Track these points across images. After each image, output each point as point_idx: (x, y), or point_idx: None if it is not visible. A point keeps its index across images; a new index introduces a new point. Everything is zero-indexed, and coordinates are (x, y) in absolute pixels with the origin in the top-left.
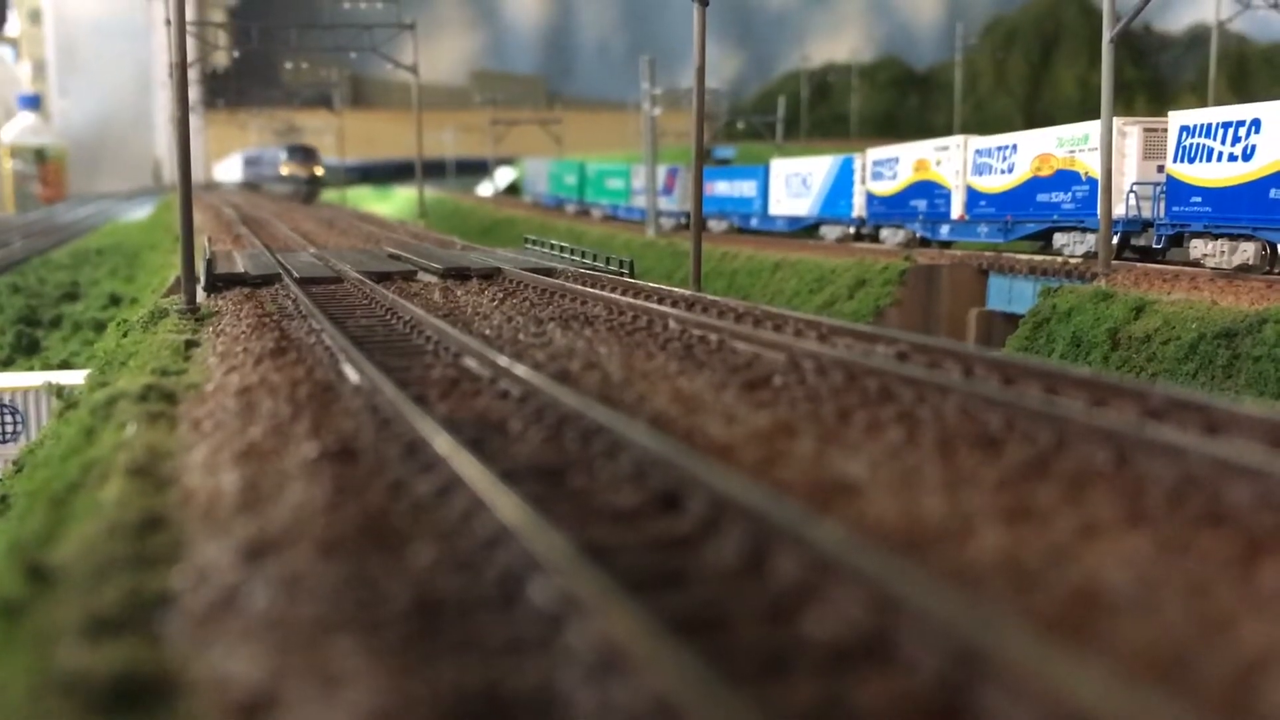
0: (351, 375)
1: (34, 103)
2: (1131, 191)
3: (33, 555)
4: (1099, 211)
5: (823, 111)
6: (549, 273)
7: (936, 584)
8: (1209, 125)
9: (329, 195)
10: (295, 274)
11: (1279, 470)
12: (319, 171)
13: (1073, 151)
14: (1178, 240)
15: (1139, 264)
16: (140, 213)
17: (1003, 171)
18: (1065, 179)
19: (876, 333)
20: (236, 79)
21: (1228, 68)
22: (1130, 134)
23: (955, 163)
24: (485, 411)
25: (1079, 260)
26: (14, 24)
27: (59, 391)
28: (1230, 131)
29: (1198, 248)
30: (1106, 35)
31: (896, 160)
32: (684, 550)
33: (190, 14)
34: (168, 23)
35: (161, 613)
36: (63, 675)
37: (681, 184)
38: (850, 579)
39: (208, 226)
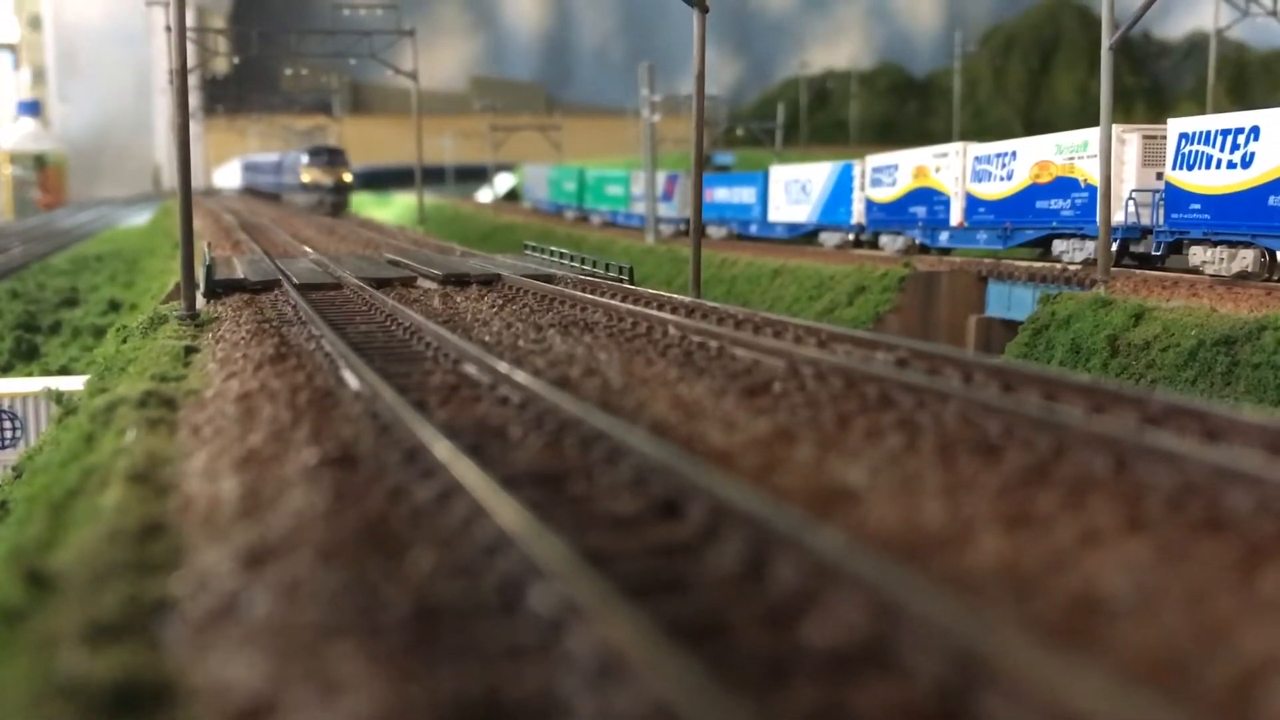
0: (351, 381)
1: (34, 108)
2: (1130, 198)
3: (32, 561)
4: (1098, 218)
5: (822, 118)
6: (548, 279)
7: (936, 590)
8: (1208, 132)
9: None
10: (295, 280)
11: (1278, 477)
12: (347, 177)
13: (1072, 158)
14: (1177, 247)
15: (1138, 271)
16: (140, 218)
17: (1002, 178)
18: (1064, 186)
19: (876, 339)
20: (236, 85)
21: (1226, 75)
22: (1129, 141)
23: (954, 169)
24: (485, 418)
25: (1078, 267)
26: (14, 30)
27: (58, 397)
28: (1229, 139)
29: (1197, 255)
30: (1105, 42)
31: (896, 167)
32: (684, 557)
33: (190, 20)
34: (168, 29)
35: (161, 619)
36: (63, 681)
37: (681, 190)
38: (850, 585)
39: (207, 232)
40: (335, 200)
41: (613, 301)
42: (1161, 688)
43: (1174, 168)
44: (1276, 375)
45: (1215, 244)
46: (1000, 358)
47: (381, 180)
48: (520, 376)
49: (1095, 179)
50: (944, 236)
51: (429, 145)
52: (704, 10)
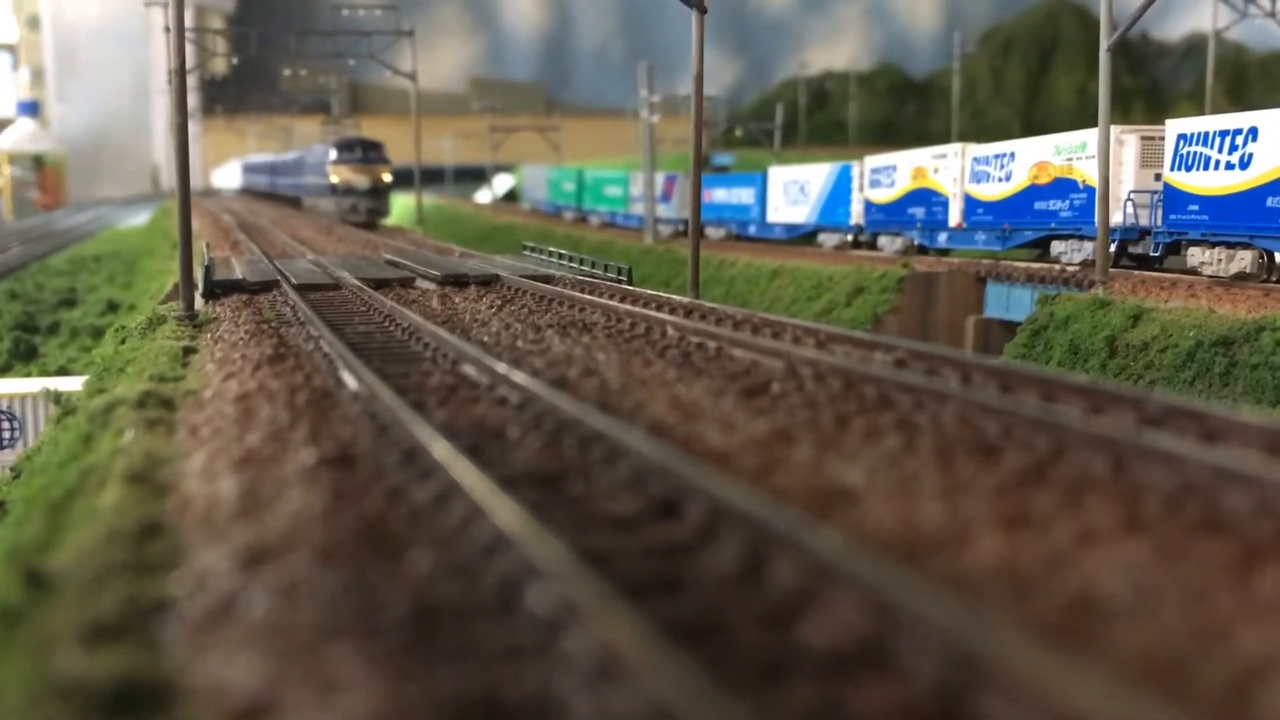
0: (350, 382)
1: (32, 109)
2: (1129, 199)
3: (31, 561)
4: (1096, 219)
5: (821, 119)
6: (547, 280)
7: (934, 591)
8: (1206, 133)
9: None
10: (293, 280)
11: (1276, 477)
12: (387, 177)
13: (1070, 159)
14: (1175, 248)
15: (1136, 272)
16: (138, 219)
17: (1000, 179)
18: (1063, 187)
19: (874, 340)
20: (235, 85)
21: (1225, 76)
22: (1128, 142)
23: (953, 170)
24: (483, 418)
25: (1076, 268)
26: (12, 30)
27: (57, 398)
28: (1227, 140)
29: (1195, 255)
30: (1104, 43)
31: (894, 168)
32: (682, 557)
33: (189, 21)
34: (166, 29)
35: (159, 619)
36: (61, 681)
37: (680, 191)
38: (848, 586)
39: (206, 233)
40: (372, 206)
41: (611, 302)
42: (1160, 688)
43: (1172, 169)
44: (1274, 376)
45: (1213, 245)
46: (998, 358)
47: None
48: (519, 377)
49: (1094, 180)
50: (942, 237)
51: (428, 146)
52: (702, 11)
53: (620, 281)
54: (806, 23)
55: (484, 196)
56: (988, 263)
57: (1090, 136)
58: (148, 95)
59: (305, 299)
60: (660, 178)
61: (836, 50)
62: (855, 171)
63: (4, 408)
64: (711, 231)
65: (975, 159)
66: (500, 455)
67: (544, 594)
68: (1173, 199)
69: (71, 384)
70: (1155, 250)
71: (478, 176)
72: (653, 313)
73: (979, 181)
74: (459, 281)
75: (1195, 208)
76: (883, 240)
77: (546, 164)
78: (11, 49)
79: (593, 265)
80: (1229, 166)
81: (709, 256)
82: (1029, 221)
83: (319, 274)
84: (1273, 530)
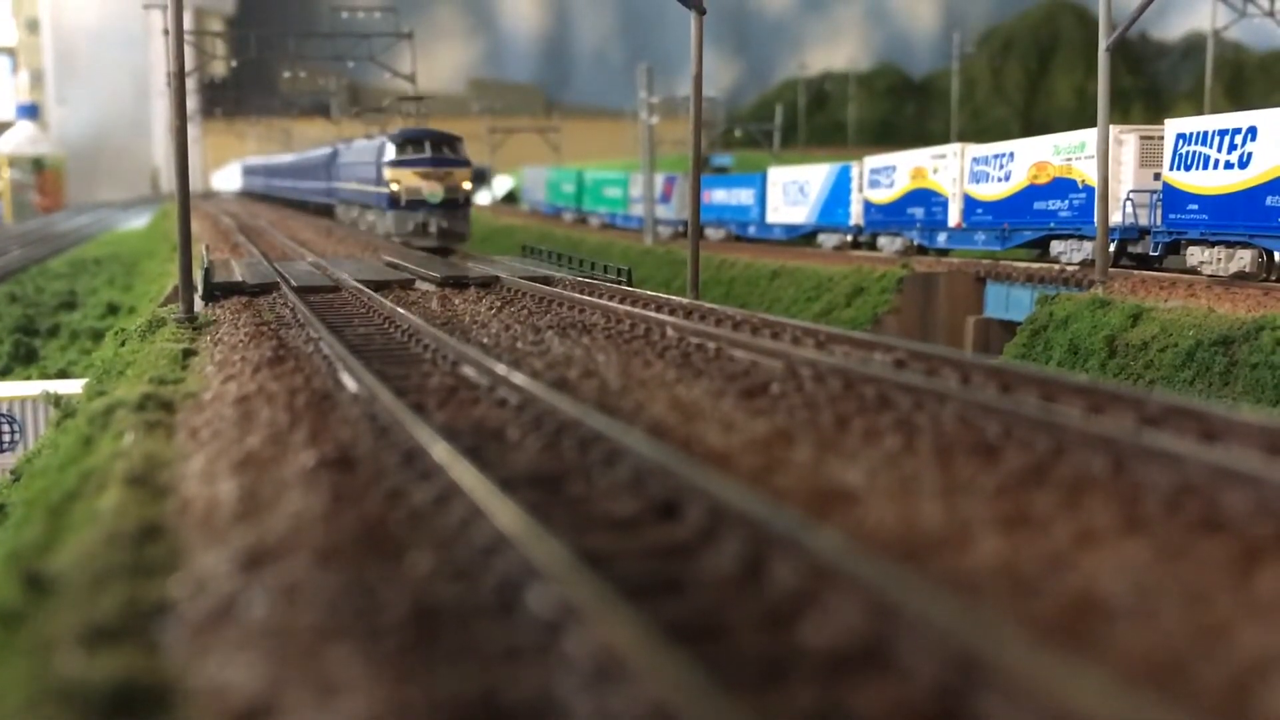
0: (349, 384)
1: (32, 112)
2: (1128, 199)
3: (31, 564)
4: (1096, 219)
5: (820, 119)
6: (547, 281)
7: (934, 591)
8: (1205, 133)
9: None
10: (293, 282)
11: (1275, 477)
12: (468, 185)
13: (1069, 159)
14: (1174, 248)
15: (1136, 271)
16: (138, 222)
17: (1000, 179)
18: (1062, 187)
19: (874, 340)
20: (234, 88)
21: (1224, 76)
22: (1127, 142)
23: (952, 170)
24: (483, 419)
25: (1076, 268)
26: (11, 33)
27: (57, 400)
28: (1226, 139)
29: (1194, 255)
30: (1102, 43)
31: (894, 168)
32: (682, 558)
33: (188, 23)
34: (165, 32)
35: (159, 621)
36: (61, 684)
37: (679, 192)
38: (848, 586)
39: (206, 235)
40: (448, 225)
41: (611, 303)
42: (1159, 687)
43: (1171, 168)
44: (1274, 375)
45: (1213, 244)
46: (998, 359)
47: None
48: (518, 378)
49: (1093, 180)
50: (942, 237)
51: None
52: (701, 12)
53: (620, 283)
54: (806, 24)
55: (483, 198)
56: (987, 263)
57: (1089, 136)
58: (147, 98)
59: (305, 301)
60: (660, 179)
61: (836, 51)
62: (854, 172)
63: (4, 410)
64: (711, 232)
65: (974, 159)
66: (500, 457)
67: (544, 595)
68: (1172, 198)
69: (71, 387)
70: (1155, 250)
71: (477, 178)
72: (652, 314)
73: (978, 182)
74: (459, 283)
75: (1194, 207)
76: (882, 241)
77: (546, 165)
78: (11, 52)
79: (592, 267)
80: (1228, 166)
81: (709, 257)
82: (1028, 221)
83: (318, 276)
84: (1272, 530)
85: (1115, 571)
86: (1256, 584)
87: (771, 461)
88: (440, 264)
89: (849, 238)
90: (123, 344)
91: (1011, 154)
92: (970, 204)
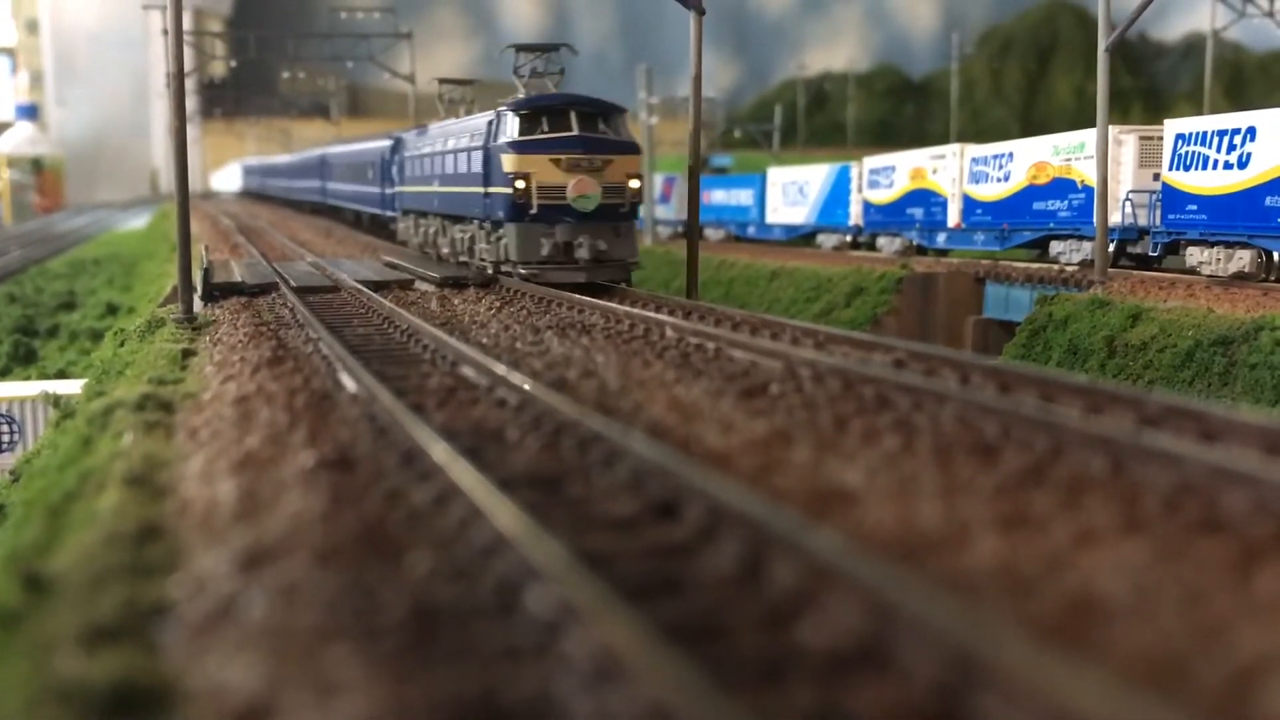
0: (349, 384)
1: (31, 112)
2: (1127, 199)
3: (30, 564)
4: (1095, 219)
5: (820, 120)
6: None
7: (933, 591)
8: (1204, 133)
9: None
10: (292, 283)
11: (1274, 477)
12: (636, 183)
13: (1069, 160)
14: (1174, 248)
15: (1135, 272)
16: (137, 222)
17: (999, 180)
18: (1061, 187)
19: (873, 340)
20: (234, 88)
21: (1223, 76)
22: (1126, 142)
23: (952, 171)
24: (482, 420)
25: (1075, 268)
26: (11, 33)
27: (56, 401)
28: (1225, 139)
29: (1194, 255)
30: (1102, 44)
31: (893, 169)
32: (681, 558)
33: (187, 24)
34: (165, 33)
35: (158, 622)
36: (60, 684)
37: (678, 192)
38: (847, 586)
39: (205, 235)
40: (606, 250)
41: (610, 304)
42: (1158, 687)
43: (1171, 168)
44: (1273, 375)
45: (1212, 244)
46: (997, 359)
47: None
48: (518, 379)
49: (1092, 180)
50: (941, 238)
51: None
52: (700, 13)
53: (619, 283)
54: (805, 24)
55: None
56: (986, 263)
57: (1089, 137)
58: (146, 99)
59: (304, 301)
60: (659, 179)
61: (835, 52)
62: (854, 172)
63: (3, 411)
64: (710, 233)
65: (973, 159)
66: (499, 457)
67: (543, 595)
68: (1171, 199)
69: (70, 387)
70: (1154, 250)
71: None
72: (651, 314)
73: (977, 182)
74: (458, 284)
75: (1193, 207)
76: (881, 241)
77: None
78: (10, 52)
79: None
80: (1228, 166)
81: (708, 258)
82: (1028, 222)
83: (318, 276)
84: (1271, 530)
85: (1114, 571)
86: (1255, 584)
87: (770, 462)
88: (439, 264)
89: (849, 238)
90: (122, 344)
91: (1011, 154)
92: (970, 204)
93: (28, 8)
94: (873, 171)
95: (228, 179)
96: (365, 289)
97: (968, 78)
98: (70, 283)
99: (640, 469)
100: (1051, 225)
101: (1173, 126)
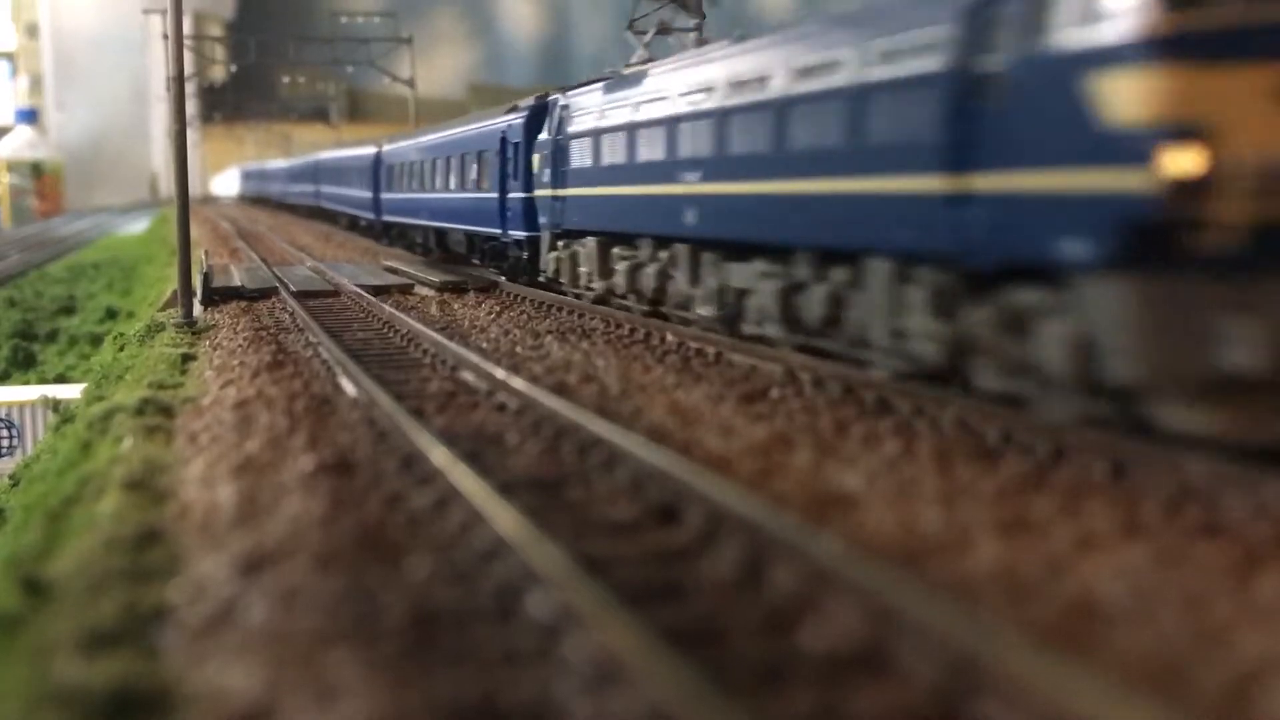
0: (348, 388)
1: (30, 116)
2: None
3: (29, 569)
4: None
5: None
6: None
7: (933, 596)
8: None
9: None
10: (292, 287)
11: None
12: None
13: None
14: None
15: None
16: (137, 226)
17: None
18: None
19: None
20: (234, 93)
21: None
22: None
23: None
24: (482, 424)
25: None
26: (11, 38)
27: (55, 405)
28: None
29: None
30: None
31: None
32: (681, 562)
33: (187, 28)
34: (165, 37)
35: (158, 626)
36: (60, 688)
37: None
38: (847, 591)
39: (205, 239)
40: None
41: (610, 307)
42: (1158, 691)
43: None
44: None
45: None
46: None
47: None
48: (518, 383)
49: None
50: None
51: None
52: (700, 17)
53: None
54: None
55: None
56: None
57: None
58: (146, 103)
59: (304, 305)
60: None
61: None
62: None
63: (2, 415)
64: None
65: None
66: (499, 461)
67: (543, 599)
68: None
69: (70, 391)
70: None
71: None
72: (651, 318)
73: None
74: (458, 288)
75: None
76: None
77: None
78: (10, 57)
79: None
80: None
81: None
82: None
83: (318, 280)
84: (1271, 534)
85: (1114, 576)
86: (1255, 588)
87: (771, 466)
88: (439, 268)
89: None
90: (121, 349)
91: None
92: None
93: (27, 12)
94: None
95: (226, 183)
96: (365, 293)
97: None
98: (70, 287)
99: (640, 473)
100: None
101: None
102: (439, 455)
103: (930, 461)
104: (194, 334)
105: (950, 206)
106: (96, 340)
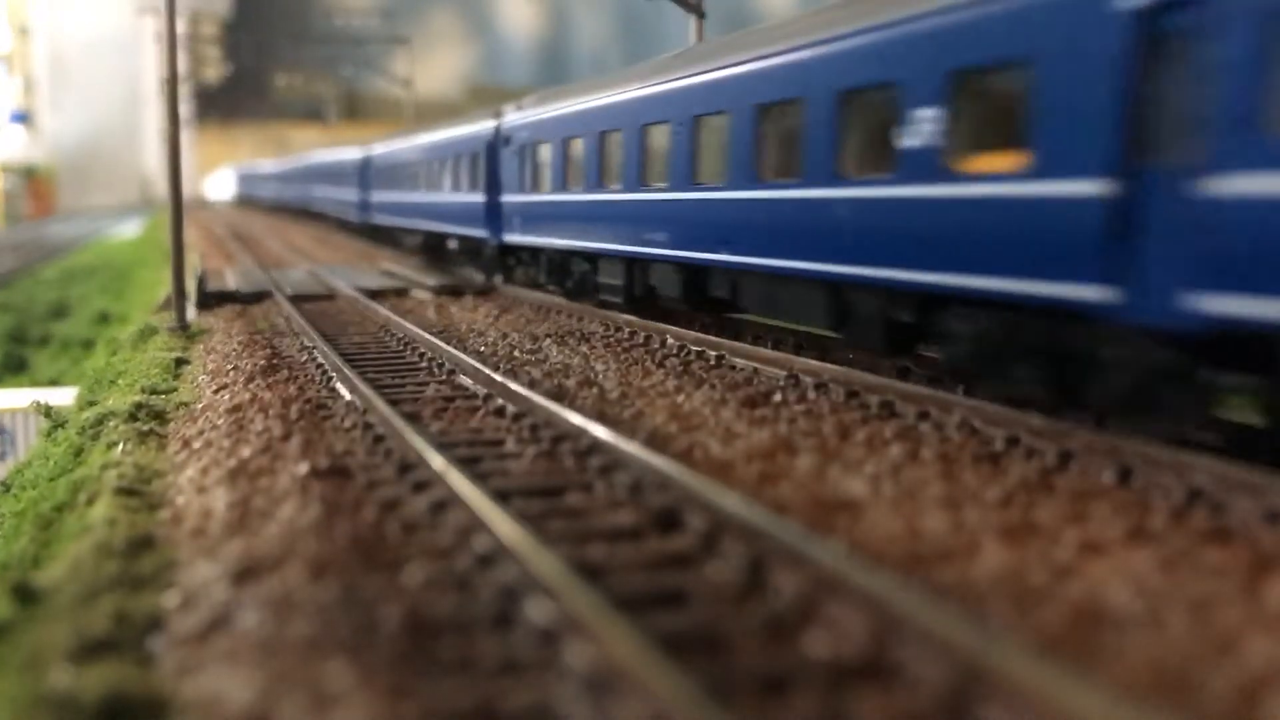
0: (344, 393)
1: (24, 119)
2: None
3: (21, 576)
4: None
5: None
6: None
7: (938, 602)
8: None
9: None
10: (287, 290)
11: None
12: None
13: None
14: None
15: None
16: (130, 229)
17: None
18: None
19: None
20: (228, 93)
21: None
22: None
23: None
24: (480, 429)
25: None
26: (4, 39)
27: (47, 411)
28: None
29: None
30: None
31: None
32: (683, 569)
33: (182, 29)
34: (158, 38)
35: (151, 633)
36: (52, 696)
37: None
38: (851, 598)
39: (199, 242)
40: None
41: (609, 310)
42: (1165, 698)
43: None
44: None
45: None
46: None
47: None
48: (516, 387)
49: None
50: None
51: None
52: (700, 15)
53: None
54: None
55: None
56: None
57: None
58: (139, 105)
59: (299, 309)
60: None
61: None
62: None
63: None
64: None
65: None
66: (497, 467)
67: (542, 607)
68: None
69: (62, 396)
70: None
71: None
72: (651, 321)
73: None
74: (455, 291)
75: None
76: None
77: None
78: (4, 59)
79: None
80: None
81: None
82: None
83: (313, 284)
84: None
85: (1121, 581)
86: (1263, 593)
87: (774, 471)
88: (435, 271)
89: None
90: (114, 353)
91: None
92: None
93: (21, 14)
94: None
95: (220, 185)
96: (361, 297)
97: None
98: (62, 290)
99: (641, 479)
100: None
101: None
102: (436, 461)
103: (935, 465)
104: (188, 338)
105: None
106: (89, 344)
